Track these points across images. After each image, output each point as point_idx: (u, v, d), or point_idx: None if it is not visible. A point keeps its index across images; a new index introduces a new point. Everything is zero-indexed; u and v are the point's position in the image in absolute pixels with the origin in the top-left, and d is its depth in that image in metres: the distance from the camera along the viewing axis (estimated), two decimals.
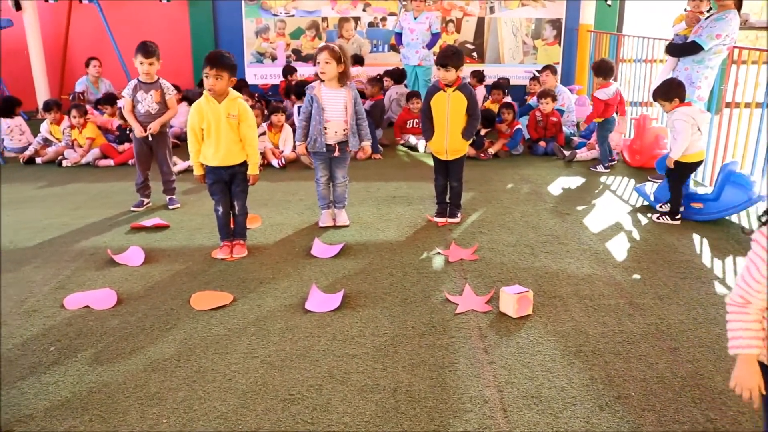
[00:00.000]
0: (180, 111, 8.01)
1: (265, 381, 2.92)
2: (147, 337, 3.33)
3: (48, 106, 7.33)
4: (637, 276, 4.03)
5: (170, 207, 5.40)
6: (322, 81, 4.60)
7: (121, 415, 2.70)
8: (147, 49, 5.10)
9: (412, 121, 7.86)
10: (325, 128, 4.62)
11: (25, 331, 3.41)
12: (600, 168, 6.60)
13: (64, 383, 2.94)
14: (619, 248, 4.50)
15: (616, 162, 6.81)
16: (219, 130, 4.15)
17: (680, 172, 4.96)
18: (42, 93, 9.69)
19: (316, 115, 4.60)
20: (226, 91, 4.16)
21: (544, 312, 3.55)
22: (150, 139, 5.26)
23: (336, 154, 4.72)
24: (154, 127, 5.22)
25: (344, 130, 4.66)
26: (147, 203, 5.41)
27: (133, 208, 5.35)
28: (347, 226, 4.91)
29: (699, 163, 5.07)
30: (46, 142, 7.25)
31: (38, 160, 7.06)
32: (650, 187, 5.54)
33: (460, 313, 3.54)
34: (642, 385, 2.87)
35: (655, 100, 5.13)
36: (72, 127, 7.10)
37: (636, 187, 5.67)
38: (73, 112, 7.04)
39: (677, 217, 5.00)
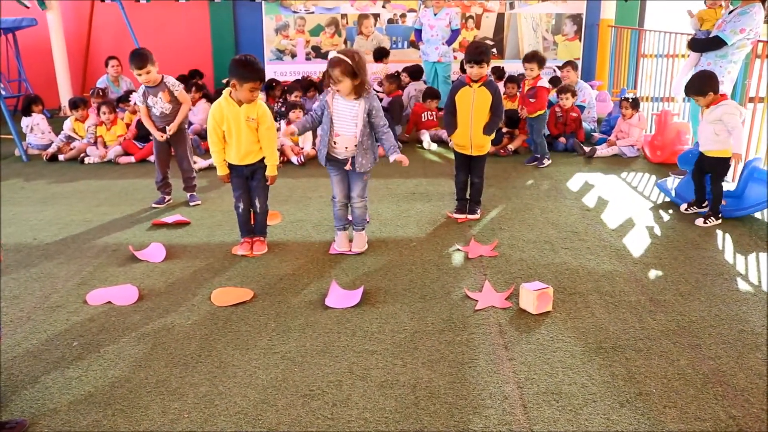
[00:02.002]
0: (199, 108, 8.10)
1: (286, 377, 2.94)
2: (168, 333, 3.36)
3: (75, 104, 7.40)
4: (658, 272, 4.00)
5: (191, 204, 5.44)
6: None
7: (143, 409, 2.73)
8: (138, 60, 5.04)
9: (426, 113, 7.86)
10: (335, 142, 4.17)
11: (49, 327, 3.45)
12: (546, 161, 6.61)
13: (87, 378, 2.97)
14: (639, 244, 4.46)
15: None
16: (239, 132, 4.17)
17: (725, 169, 4.88)
18: (64, 91, 9.83)
19: (325, 125, 4.17)
20: None
21: (564, 308, 3.54)
22: (168, 135, 5.30)
23: (347, 167, 4.22)
24: (172, 128, 5.25)
25: (355, 146, 4.15)
26: (168, 200, 5.47)
27: (154, 205, 5.42)
28: (363, 252, 4.39)
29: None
30: (69, 140, 7.33)
31: (61, 157, 7.14)
32: (671, 182, 5.49)
33: (480, 310, 3.53)
34: (663, 381, 2.85)
35: (688, 95, 5.01)
36: (100, 123, 7.17)
37: (657, 183, 5.62)
38: (104, 109, 7.12)
39: (720, 216, 4.89)
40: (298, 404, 2.74)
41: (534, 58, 6.47)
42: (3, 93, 9.35)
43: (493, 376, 2.91)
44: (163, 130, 5.27)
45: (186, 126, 5.48)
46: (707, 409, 2.66)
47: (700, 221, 4.87)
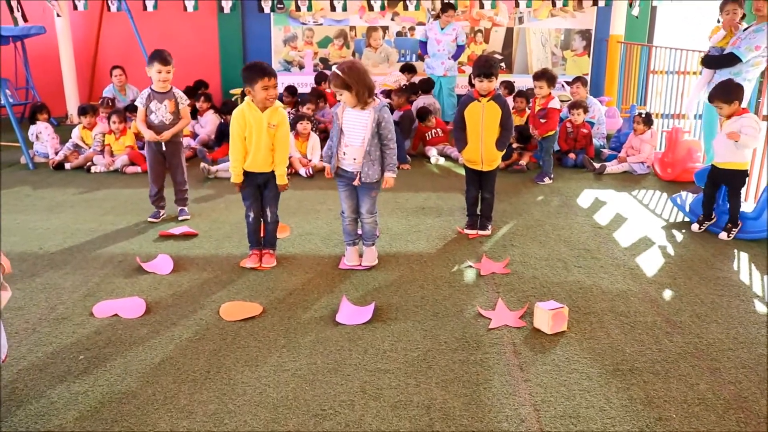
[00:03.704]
0: (207, 119, 8.07)
1: (297, 395, 2.88)
2: (176, 348, 3.30)
3: (84, 111, 7.36)
4: (673, 292, 3.93)
5: (180, 218, 5.32)
6: None
7: (150, 427, 2.67)
8: (164, 57, 5.01)
9: (430, 132, 7.81)
10: (344, 153, 4.13)
11: (54, 339, 3.40)
12: (546, 180, 6.54)
13: (94, 393, 2.91)
14: (653, 263, 4.40)
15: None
16: (259, 138, 4.13)
17: (742, 181, 4.85)
18: (72, 99, 9.82)
19: (335, 137, 4.16)
20: None
21: (579, 328, 3.47)
22: (164, 148, 5.19)
23: (356, 182, 4.16)
24: (166, 135, 5.13)
25: (363, 158, 4.09)
26: (163, 214, 5.37)
27: (150, 219, 5.29)
28: (373, 267, 4.33)
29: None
30: (76, 148, 7.30)
31: (67, 165, 7.10)
32: (685, 197, 5.43)
33: (494, 329, 3.47)
34: (683, 407, 2.78)
35: (711, 102, 4.92)
36: (109, 132, 7.13)
37: (671, 198, 5.55)
38: (114, 118, 7.06)
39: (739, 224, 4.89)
40: (310, 424, 2.68)
41: (543, 76, 6.41)
42: (11, 100, 9.36)
43: (509, 398, 2.84)
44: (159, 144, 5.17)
45: (181, 139, 5.37)
46: None
47: (723, 235, 4.83)
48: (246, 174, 4.24)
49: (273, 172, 4.24)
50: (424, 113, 7.81)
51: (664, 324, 3.52)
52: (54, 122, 9.71)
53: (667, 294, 3.92)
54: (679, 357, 3.18)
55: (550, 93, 6.43)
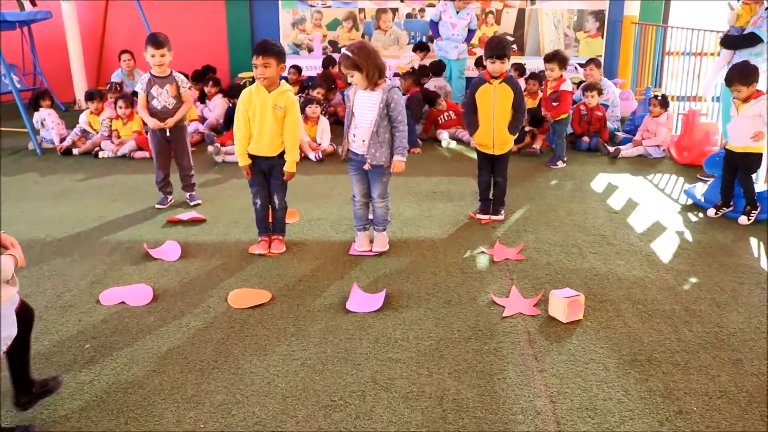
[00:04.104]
0: (216, 103, 8.00)
1: (306, 385, 2.81)
2: (183, 336, 3.24)
3: (91, 96, 7.29)
4: (692, 280, 3.83)
5: (191, 203, 5.25)
6: None
7: (157, 418, 2.62)
8: (156, 40, 4.92)
9: (443, 116, 7.69)
10: (354, 135, 4.07)
11: (61, 327, 3.35)
12: (560, 164, 6.43)
13: (100, 383, 2.86)
14: (670, 250, 4.29)
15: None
16: (264, 120, 4.05)
17: (757, 163, 4.76)
18: (79, 85, 9.74)
19: (347, 119, 4.13)
20: (277, 81, 4.06)
21: (596, 317, 3.38)
22: (168, 134, 5.11)
23: (366, 166, 4.07)
24: (169, 122, 5.04)
25: (370, 139, 4.01)
26: (170, 200, 5.30)
27: (157, 206, 5.22)
28: (384, 253, 4.25)
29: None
30: (84, 133, 7.23)
31: (75, 151, 7.04)
32: (701, 189, 5.31)
33: (508, 317, 3.39)
34: (704, 399, 2.69)
35: (730, 85, 4.78)
36: (116, 117, 7.06)
37: (686, 190, 5.42)
38: (120, 103, 6.99)
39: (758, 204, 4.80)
40: (320, 416, 2.61)
41: (555, 58, 6.28)
42: (18, 86, 9.30)
43: (523, 389, 2.77)
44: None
45: (186, 124, 5.29)
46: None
47: (743, 219, 4.74)
48: (251, 159, 4.15)
49: (279, 157, 4.14)
50: (432, 97, 7.68)
51: (682, 313, 3.43)
52: (62, 107, 9.68)
53: (686, 281, 3.82)
54: (699, 347, 3.09)
55: (561, 75, 6.30)
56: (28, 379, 2.63)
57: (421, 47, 9.34)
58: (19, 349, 2.54)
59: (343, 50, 3.99)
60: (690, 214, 5.00)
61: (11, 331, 2.46)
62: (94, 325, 3.38)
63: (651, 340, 3.16)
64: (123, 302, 3.61)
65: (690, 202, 5.27)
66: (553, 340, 3.16)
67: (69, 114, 8.93)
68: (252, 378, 2.88)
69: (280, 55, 4.00)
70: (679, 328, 3.26)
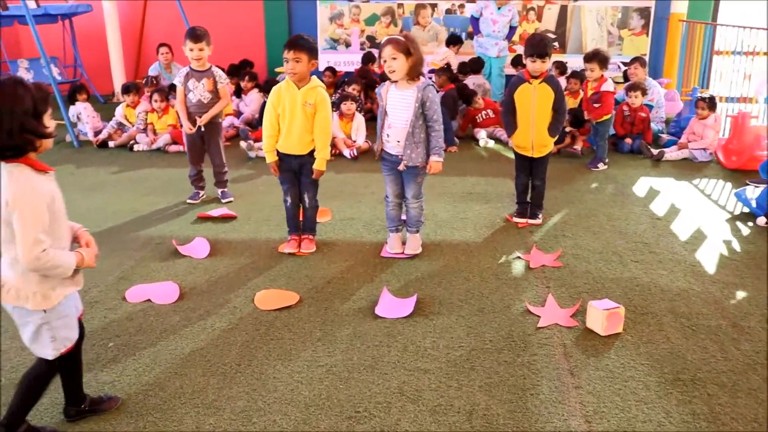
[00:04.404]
0: (251, 98, 7.95)
1: (330, 394, 2.71)
2: (208, 337, 3.17)
3: (127, 89, 7.31)
4: (740, 293, 3.63)
5: (223, 200, 5.19)
6: (393, 81, 3.90)
7: (176, 423, 2.55)
8: (195, 34, 4.88)
9: (480, 114, 7.51)
10: (388, 135, 3.95)
11: (86, 324, 3.23)
12: (601, 166, 6.20)
13: (121, 384, 2.80)
14: (716, 260, 4.09)
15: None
16: (293, 116, 3.96)
17: None
18: (118, 77, 9.81)
19: (380, 118, 4.00)
20: (307, 77, 3.96)
21: (636, 331, 3.22)
22: (202, 129, 5.04)
23: (401, 167, 3.94)
24: (203, 120, 4.99)
25: (406, 139, 3.88)
26: (202, 195, 5.25)
27: (189, 201, 5.18)
28: (416, 255, 4.11)
29: None
30: (120, 126, 7.25)
31: (111, 143, 7.06)
32: (751, 192, 5.07)
33: (543, 327, 3.24)
34: (753, 426, 2.52)
35: None
36: (152, 111, 7.07)
37: (736, 192, 5.19)
38: (155, 96, 7.00)
39: None
40: (343, 426, 2.51)
41: (595, 57, 6.02)
42: (59, 78, 9.40)
43: (557, 407, 2.62)
44: (195, 122, 5.02)
45: (220, 120, 5.23)
46: None
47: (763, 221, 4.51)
48: (281, 157, 4.07)
49: (309, 155, 4.04)
50: (469, 95, 7.51)
51: (730, 329, 3.24)
52: (100, 99, 9.76)
53: (733, 295, 3.62)
54: (748, 367, 2.90)
55: (602, 75, 6.08)
56: (79, 392, 2.58)
57: (454, 41, 9.16)
58: (72, 360, 2.49)
59: (388, 38, 3.82)
60: (738, 223, 4.77)
61: (72, 333, 2.43)
62: (119, 322, 3.33)
63: (695, 357, 2.98)
64: (149, 300, 3.56)
65: (738, 210, 5.03)
66: (590, 354, 3.01)
67: (107, 106, 8.99)
68: (275, 384, 2.79)
69: (311, 51, 3.90)
70: (726, 346, 3.08)
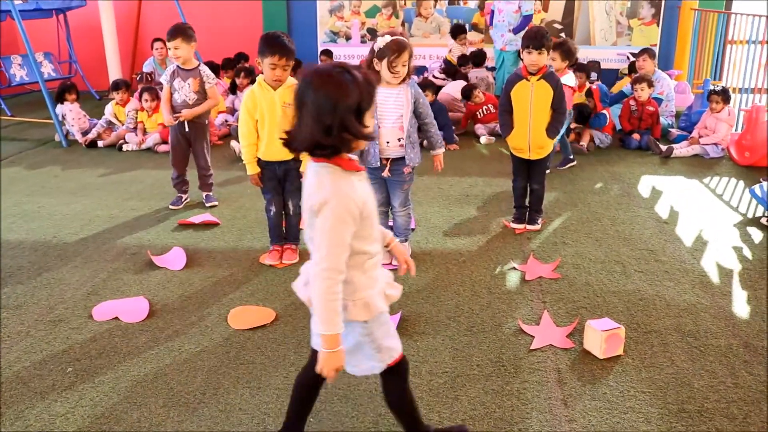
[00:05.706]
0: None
1: None
2: (174, 361, 2.94)
3: (117, 86, 7.08)
4: (753, 308, 3.36)
5: (207, 204, 4.96)
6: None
7: None
8: (170, 31, 4.63)
9: (481, 110, 7.21)
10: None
11: (47, 346, 3.09)
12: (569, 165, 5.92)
13: (74, 417, 2.58)
14: (728, 270, 3.81)
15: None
16: (273, 120, 3.70)
17: None
18: (114, 73, 9.59)
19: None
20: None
21: (638, 352, 2.95)
22: (186, 129, 4.80)
23: (385, 173, 3.70)
24: (185, 114, 4.72)
25: (399, 140, 3.65)
26: (185, 199, 5.02)
27: (171, 206, 4.94)
28: None
29: None
30: (110, 125, 7.03)
31: (100, 143, 6.85)
32: (766, 189, 4.77)
33: (536, 349, 2.99)
34: None
35: None
36: (141, 109, 6.85)
37: (750, 189, 4.88)
38: (146, 96, 6.77)
39: None
40: None
41: (559, 47, 5.13)
42: (53, 74, 9.21)
43: None
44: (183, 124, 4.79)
45: (206, 121, 4.97)
46: None
47: None
48: (264, 165, 3.82)
49: (294, 161, 3.79)
50: (467, 90, 7.21)
51: (741, 350, 2.97)
52: (96, 96, 9.56)
53: (745, 310, 3.34)
54: (761, 396, 2.64)
55: (565, 67, 5.56)
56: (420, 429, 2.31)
57: (458, 31, 8.83)
58: (401, 400, 2.28)
59: (392, 38, 3.50)
60: (751, 227, 4.48)
61: (395, 343, 2.21)
62: (82, 344, 3.10)
63: (702, 384, 2.72)
64: (117, 317, 3.34)
65: (751, 212, 4.74)
66: (587, 380, 2.75)
67: (103, 102, 8.75)
68: (240, 417, 2.56)
69: (294, 54, 3.66)
70: (737, 370, 2.81)
